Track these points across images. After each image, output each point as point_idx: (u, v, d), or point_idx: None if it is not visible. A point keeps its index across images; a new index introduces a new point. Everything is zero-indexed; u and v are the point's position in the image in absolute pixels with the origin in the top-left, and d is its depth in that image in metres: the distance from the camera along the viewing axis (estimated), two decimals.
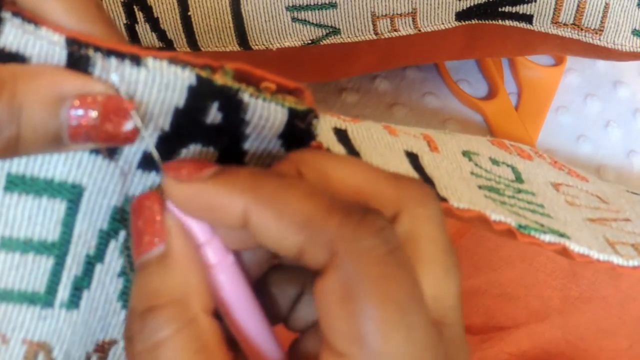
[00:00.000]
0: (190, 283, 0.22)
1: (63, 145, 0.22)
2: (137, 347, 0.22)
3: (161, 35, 0.42)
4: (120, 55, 0.22)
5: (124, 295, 0.26)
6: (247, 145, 0.24)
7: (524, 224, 0.29)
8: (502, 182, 0.33)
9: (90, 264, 0.25)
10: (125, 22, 0.42)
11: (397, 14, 0.43)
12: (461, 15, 0.44)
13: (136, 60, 0.22)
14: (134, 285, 0.23)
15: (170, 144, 0.24)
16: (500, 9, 0.44)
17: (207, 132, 0.23)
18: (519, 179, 0.34)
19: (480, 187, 0.31)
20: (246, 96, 0.23)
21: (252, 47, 0.43)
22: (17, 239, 0.24)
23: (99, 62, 0.22)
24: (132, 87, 0.22)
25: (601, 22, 0.44)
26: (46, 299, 0.24)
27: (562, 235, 0.30)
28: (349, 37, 0.44)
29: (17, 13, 0.22)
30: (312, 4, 0.42)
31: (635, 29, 0.44)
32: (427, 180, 0.29)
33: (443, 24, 0.44)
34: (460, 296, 0.23)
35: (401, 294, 0.20)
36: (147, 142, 0.23)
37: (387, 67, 0.51)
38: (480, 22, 0.45)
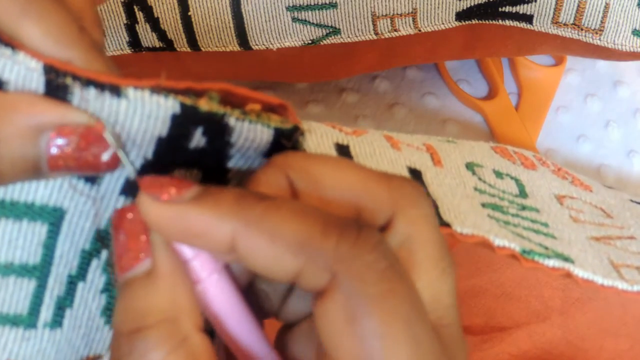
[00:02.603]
0: (180, 300, 0.21)
1: (42, 175, 0.22)
2: None
3: (161, 35, 0.42)
4: (100, 86, 0.21)
5: (108, 311, 0.25)
6: (231, 163, 0.24)
7: (528, 249, 0.29)
8: (505, 199, 0.32)
9: (73, 283, 0.25)
10: (125, 22, 0.42)
11: (397, 14, 0.43)
12: (461, 15, 0.44)
13: (116, 91, 0.21)
14: (118, 304, 0.22)
15: (153, 171, 0.23)
16: (500, 9, 0.44)
17: (190, 155, 0.23)
18: (522, 193, 0.34)
19: (483, 205, 0.31)
20: (232, 120, 0.22)
21: (252, 47, 0.43)
22: None
23: (77, 91, 0.21)
24: (112, 117, 0.21)
25: (601, 22, 0.44)
26: (29, 320, 0.24)
27: (566, 259, 0.30)
28: (349, 37, 0.44)
29: None
30: (312, 4, 0.42)
31: (635, 29, 0.44)
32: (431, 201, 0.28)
33: (443, 24, 0.44)
34: (455, 294, 0.22)
35: (405, 307, 0.20)
36: (129, 170, 0.22)
37: (387, 67, 0.51)
38: (480, 22, 0.45)
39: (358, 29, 0.43)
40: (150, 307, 0.21)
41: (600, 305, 0.39)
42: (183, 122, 0.22)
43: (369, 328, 0.20)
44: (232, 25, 0.42)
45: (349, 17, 0.43)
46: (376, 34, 0.44)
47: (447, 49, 0.48)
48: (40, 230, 0.23)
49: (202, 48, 0.43)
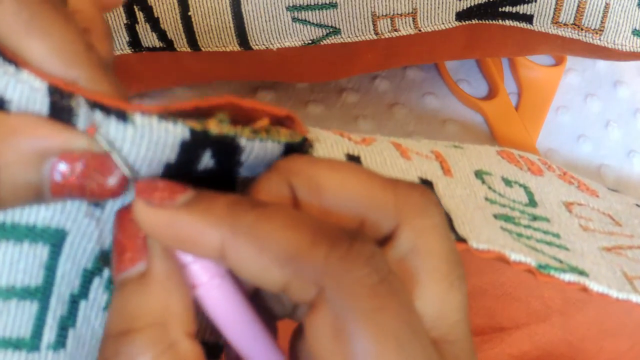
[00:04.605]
0: (171, 305, 0.21)
1: (44, 200, 0.21)
2: None
3: (161, 35, 0.42)
4: (106, 110, 0.20)
5: None
6: (238, 174, 0.23)
7: (543, 263, 0.29)
8: (516, 209, 0.32)
9: (75, 302, 0.24)
10: (125, 22, 0.42)
11: (397, 14, 0.43)
12: (461, 15, 0.44)
13: (122, 116, 0.20)
14: (112, 305, 0.21)
15: None
16: (500, 9, 0.44)
17: (198, 176, 0.22)
18: (532, 201, 0.33)
19: (495, 216, 0.30)
20: (243, 141, 0.21)
21: (253, 47, 0.43)
22: None
23: (82, 115, 0.20)
24: (118, 143, 0.20)
25: (601, 22, 0.44)
26: (32, 343, 0.24)
27: (581, 273, 0.30)
28: (349, 37, 0.44)
29: None
30: (312, 4, 0.42)
31: (635, 29, 0.44)
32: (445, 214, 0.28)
33: (443, 24, 0.44)
34: (466, 309, 0.21)
35: (396, 324, 0.19)
36: (124, 171, 0.22)
37: (387, 67, 0.51)
38: (480, 22, 0.45)
39: (358, 29, 0.43)
40: (140, 310, 0.21)
41: (600, 305, 0.39)
42: (193, 147, 0.21)
43: (358, 347, 0.19)
44: (232, 25, 0.42)
45: (349, 17, 0.43)
46: (376, 34, 0.44)
47: (447, 49, 0.48)
48: (41, 251, 0.23)
49: (202, 48, 0.43)
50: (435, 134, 0.54)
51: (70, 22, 0.21)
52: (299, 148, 0.23)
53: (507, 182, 0.34)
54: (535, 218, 0.32)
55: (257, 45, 0.43)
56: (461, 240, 0.27)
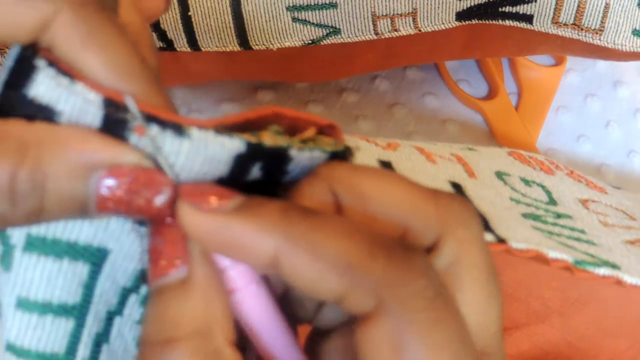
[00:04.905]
0: (213, 311, 0.20)
1: (89, 215, 0.20)
2: None
3: (161, 35, 0.42)
4: (162, 123, 0.20)
5: None
6: (281, 182, 0.23)
7: (579, 259, 0.29)
8: (540, 208, 0.32)
9: (110, 318, 0.24)
10: None
11: (397, 14, 0.43)
12: (461, 15, 0.44)
13: (179, 130, 0.20)
14: (148, 312, 0.21)
15: None
16: (500, 9, 0.44)
17: (244, 186, 0.22)
18: (552, 200, 0.34)
19: (524, 215, 0.30)
20: (294, 152, 0.21)
21: (253, 47, 0.43)
22: (35, 301, 0.22)
23: (136, 129, 0.20)
24: (172, 158, 0.20)
25: (601, 22, 0.44)
26: (66, 359, 0.23)
27: (613, 266, 0.30)
28: (349, 37, 0.44)
29: (52, 63, 0.20)
30: (312, 4, 0.42)
31: (635, 29, 0.44)
32: (481, 218, 0.28)
33: (443, 24, 0.44)
34: (501, 321, 0.21)
35: (452, 337, 0.19)
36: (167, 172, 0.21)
37: (387, 67, 0.51)
38: (480, 22, 0.45)
39: (358, 29, 0.43)
40: (182, 317, 0.20)
41: (599, 306, 0.39)
42: (246, 160, 0.21)
43: (416, 359, 0.19)
44: (232, 25, 0.42)
45: (349, 17, 0.43)
46: (376, 34, 0.44)
47: (447, 49, 0.48)
48: (81, 270, 0.22)
49: (202, 48, 0.43)
50: (435, 134, 0.54)
51: (125, 36, 0.21)
52: (341, 157, 0.22)
53: (526, 182, 0.34)
54: (559, 216, 0.32)
55: (257, 45, 0.43)
56: (500, 240, 0.27)
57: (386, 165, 0.28)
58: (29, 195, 0.19)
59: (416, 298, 0.19)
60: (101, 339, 0.24)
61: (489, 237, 0.28)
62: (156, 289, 0.21)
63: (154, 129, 0.20)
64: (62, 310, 0.23)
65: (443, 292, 0.20)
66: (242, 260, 0.20)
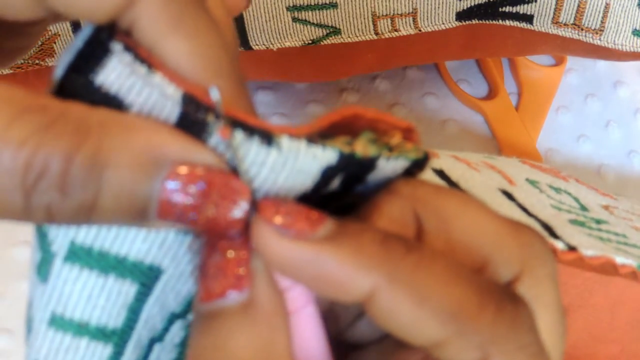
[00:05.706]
0: (277, 342, 0.18)
1: (146, 221, 0.17)
2: None
3: None
4: (249, 130, 0.17)
5: None
6: (354, 191, 0.21)
7: None
8: (580, 215, 0.31)
9: (151, 345, 0.21)
10: None
11: (397, 14, 0.43)
12: (461, 15, 0.44)
13: (267, 138, 0.17)
14: (199, 339, 0.18)
15: None
16: (500, 9, 0.44)
17: (320, 197, 0.19)
18: (582, 206, 0.33)
19: (572, 222, 0.29)
20: (382, 161, 0.19)
21: (253, 47, 0.43)
22: (71, 319, 0.19)
23: (217, 133, 0.17)
24: (255, 169, 0.18)
25: (601, 22, 0.44)
26: None
27: None
28: (349, 37, 0.44)
29: (129, 48, 0.17)
30: (312, 4, 0.42)
31: (635, 29, 0.44)
32: (544, 227, 0.27)
33: (443, 24, 0.44)
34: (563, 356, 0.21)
35: None
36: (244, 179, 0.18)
37: (387, 67, 0.51)
38: (480, 22, 0.45)
39: (358, 29, 0.43)
40: (242, 350, 0.17)
41: (589, 312, 0.39)
42: (333, 173, 0.18)
43: None
44: None
45: (349, 17, 0.43)
46: (376, 34, 0.44)
47: (447, 49, 0.48)
48: (128, 290, 0.19)
49: None
50: (435, 134, 0.54)
51: (217, 27, 0.18)
52: (422, 164, 0.21)
53: (555, 189, 0.33)
54: (598, 222, 0.31)
55: (257, 45, 0.43)
56: (571, 248, 0.26)
57: (439, 172, 0.27)
58: (83, 185, 0.16)
59: (522, 354, 0.18)
60: None
61: (559, 244, 0.26)
62: (209, 312, 0.18)
63: (240, 135, 0.17)
64: (100, 333, 0.20)
65: (543, 348, 0.19)
66: (331, 296, 0.18)
